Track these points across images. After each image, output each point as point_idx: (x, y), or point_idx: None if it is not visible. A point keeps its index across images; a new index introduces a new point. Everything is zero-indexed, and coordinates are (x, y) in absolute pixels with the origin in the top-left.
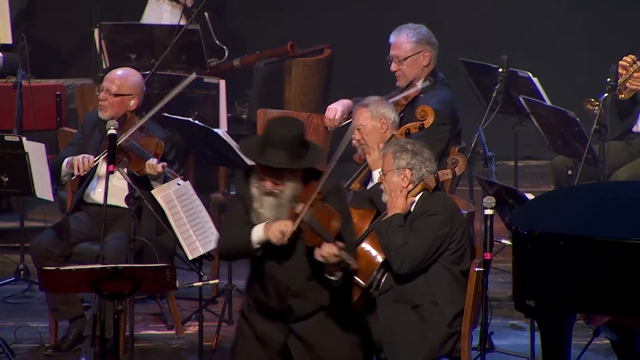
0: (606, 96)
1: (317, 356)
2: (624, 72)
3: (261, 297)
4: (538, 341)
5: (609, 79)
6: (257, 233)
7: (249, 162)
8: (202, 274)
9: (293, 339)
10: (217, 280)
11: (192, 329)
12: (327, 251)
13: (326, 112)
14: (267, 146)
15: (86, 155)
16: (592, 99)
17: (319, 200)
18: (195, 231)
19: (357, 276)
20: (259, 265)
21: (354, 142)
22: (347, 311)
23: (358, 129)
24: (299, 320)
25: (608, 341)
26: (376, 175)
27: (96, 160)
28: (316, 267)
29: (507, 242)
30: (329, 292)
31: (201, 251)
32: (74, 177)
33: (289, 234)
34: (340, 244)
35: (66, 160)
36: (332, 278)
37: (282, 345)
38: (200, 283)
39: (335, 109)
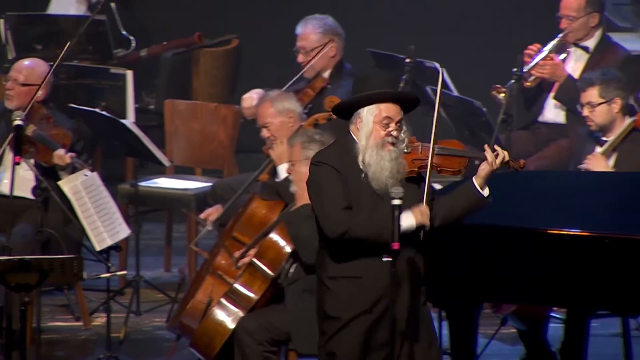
0: (513, 82)
1: (414, 332)
2: (530, 60)
3: (375, 267)
4: (446, 331)
5: (515, 69)
6: (408, 221)
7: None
8: (109, 265)
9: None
10: (124, 272)
11: (99, 320)
12: (493, 155)
13: (243, 102)
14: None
15: None
16: (499, 86)
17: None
18: (103, 222)
19: (266, 267)
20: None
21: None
22: None
23: (265, 127)
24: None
25: (515, 330)
26: (282, 170)
27: None
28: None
29: None
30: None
31: (109, 242)
32: None
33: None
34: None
35: None
36: (485, 192)
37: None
38: (108, 274)
39: (252, 98)
